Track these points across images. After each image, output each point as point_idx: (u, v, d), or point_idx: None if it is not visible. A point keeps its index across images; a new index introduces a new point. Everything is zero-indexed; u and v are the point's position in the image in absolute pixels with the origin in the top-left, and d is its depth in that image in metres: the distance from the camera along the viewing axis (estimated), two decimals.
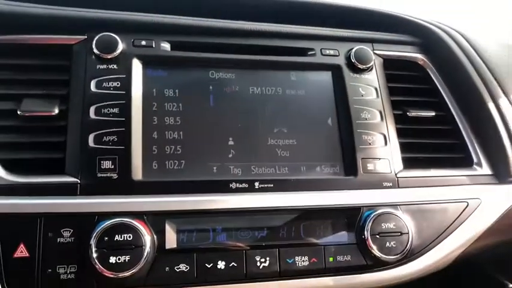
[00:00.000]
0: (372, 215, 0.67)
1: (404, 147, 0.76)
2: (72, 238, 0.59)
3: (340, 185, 0.70)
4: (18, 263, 0.57)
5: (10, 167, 0.62)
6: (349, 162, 0.71)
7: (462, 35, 0.83)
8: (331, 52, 0.78)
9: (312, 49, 0.78)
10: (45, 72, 0.68)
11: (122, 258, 0.58)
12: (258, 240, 0.65)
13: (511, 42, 0.88)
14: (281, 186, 0.68)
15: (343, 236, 0.67)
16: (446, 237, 0.71)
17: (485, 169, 0.77)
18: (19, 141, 0.64)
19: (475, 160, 0.78)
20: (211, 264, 0.62)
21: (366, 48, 0.78)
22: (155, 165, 0.66)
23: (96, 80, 0.67)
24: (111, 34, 0.69)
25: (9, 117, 0.64)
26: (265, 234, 0.65)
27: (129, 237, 0.59)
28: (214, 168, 0.68)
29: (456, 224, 0.72)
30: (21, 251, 0.58)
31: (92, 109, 0.65)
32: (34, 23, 0.69)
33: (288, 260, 0.64)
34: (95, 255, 0.58)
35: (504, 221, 0.74)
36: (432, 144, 0.78)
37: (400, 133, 0.76)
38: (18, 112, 0.64)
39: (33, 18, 0.69)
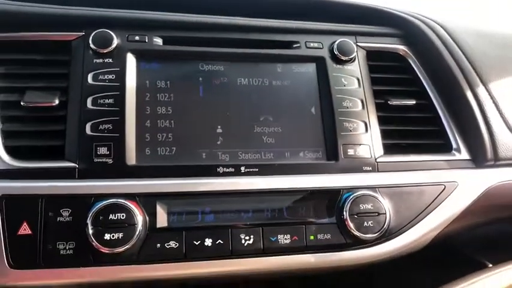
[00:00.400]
0: (351, 197, 0.71)
1: (386, 134, 0.79)
2: (71, 217, 0.64)
3: (322, 169, 0.74)
4: (22, 240, 0.62)
5: (15, 153, 0.67)
6: (330, 147, 0.76)
7: (442, 27, 0.87)
8: (315, 45, 0.82)
9: (297, 42, 0.82)
10: (46, 66, 0.73)
11: (116, 235, 0.63)
12: (243, 219, 0.69)
13: (490, 31, 0.92)
14: (266, 170, 0.72)
15: (323, 216, 0.72)
16: (423, 218, 0.75)
17: (464, 154, 0.81)
18: (23, 129, 0.69)
19: (454, 146, 0.81)
20: (199, 242, 0.67)
21: (348, 40, 0.82)
22: (148, 151, 0.70)
23: (93, 73, 0.72)
24: (107, 30, 0.73)
25: (13, 108, 0.70)
26: (250, 214, 0.70)
27: (123, 216, 0.64)
28: (204, 154, 0.72)
29: (433, 206, 0.75)
30: (25, 229, 0.63)
31: (89, 100, 0.70)
32: (36, 21, 0.74)
33: (271, 238, 0.69)
34: (91, 232, 0.63)
35: (480, 203, 0.78)
36: (413, 131, 0.82)
37: (382, 121, 0.80)
38: (22, 103, 0.69)
39: (35, 17, 0.74)
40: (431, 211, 0.75)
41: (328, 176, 0.74)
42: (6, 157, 0.66)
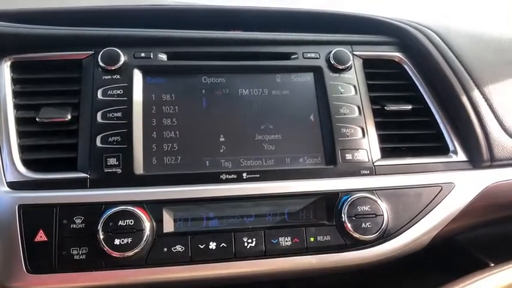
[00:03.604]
0: (349, 199, 0.74)
1: (383, 139, 0.82)
2: (83, 224, 0.68)
3: (321, 174, 0.77)
4: (38, 246, 0.66)
5: (31, 166, 0.72)
6: (329, 153, 0.79)
7: (436, 33, 0.89)
8: (312, 55, 0.85)
9: (294, 53, 0.86)
10: (59, 84, 0.78)
11: (125, 240, 0.67)
12: (246, 223, 0.73)
13: (485, 35, 0.94)
14: (267, 176, 0.76)
15: (323, 219, 0.74)
16: (421, 219, 0.76)
17: (460, 156, 0.83)
18: (38, 143, 0.74)
19: (451, 148, 0.83)
20: (204, 245, 0.70)
21: (344, 50, 0.85)
22: (154, 161, 0.74)
23: (102, 88, 0.76)
24: (114, 49, 0.78)
25: (29, 123, 0.75)
26: (252, 218, 0.73)
27: (131, 222, 0.68)
28: (207, 162, 0.76)
29: (431, 207, 0.77)
30: (41, 236, 0.67)
31: (99, 114, 0.75)
32: (49, 42, 0.79)
33: (272, 240, 0.72)
34: (102, 237, 0.66)
35: (477, 203, 0.80)
36: (410, 135, 0.85)
37: (379, 126, 0.83)
38: (37, 119, 0.74)
39: (48, 38, 0.79)
40: (429, 212, 0.77)
41: (327, 180, 0.76)
42: (23, 169, 0.71)
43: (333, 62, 0.84)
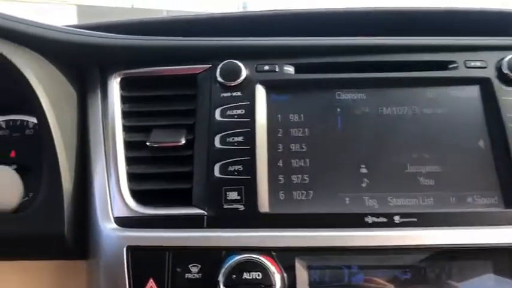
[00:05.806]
0: None
1: None
2: (200, 274, 0.56)
3: (500, 220, 0.59)
4: None
5: (140, 198, 0.62)
6: (509, 191, 0.60)
7: None
8: (478, 64, 0.68)
9: (453, 62, 0.68)
10: (172, 102, 0.69)
11: None
12: (399, 282, 0.56)
13: None
14: (426, 220, 0.58)
15: (507, 284, 0.56)
16: None
17: None
18: (148, 172, 0.65)
19: None
20: None
21: None
22: (282, 196, 0.61)
23: (220, 108, 0.65)
24: (235, 61, 0.67)
25: (139, 148, 0.66)
26: (409, 276, 0.57)
27: (258, 275, 0.55)
28: (347, 199, 0.61)
29: None
30: (151, 286, 0.57)
31: (217, 138, 0.64)
32: (162, 55, 0.71)
33: None
34: None
35: None
36: None
37: None
38: (147, 143, 0.65)
39: (161, 51, 0.71)
40: None
41: (509, 229, 0.58)
42: (132, 203, 0.62)
43: (506, 72, 0.66)
